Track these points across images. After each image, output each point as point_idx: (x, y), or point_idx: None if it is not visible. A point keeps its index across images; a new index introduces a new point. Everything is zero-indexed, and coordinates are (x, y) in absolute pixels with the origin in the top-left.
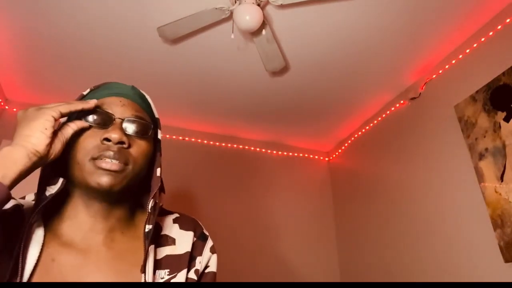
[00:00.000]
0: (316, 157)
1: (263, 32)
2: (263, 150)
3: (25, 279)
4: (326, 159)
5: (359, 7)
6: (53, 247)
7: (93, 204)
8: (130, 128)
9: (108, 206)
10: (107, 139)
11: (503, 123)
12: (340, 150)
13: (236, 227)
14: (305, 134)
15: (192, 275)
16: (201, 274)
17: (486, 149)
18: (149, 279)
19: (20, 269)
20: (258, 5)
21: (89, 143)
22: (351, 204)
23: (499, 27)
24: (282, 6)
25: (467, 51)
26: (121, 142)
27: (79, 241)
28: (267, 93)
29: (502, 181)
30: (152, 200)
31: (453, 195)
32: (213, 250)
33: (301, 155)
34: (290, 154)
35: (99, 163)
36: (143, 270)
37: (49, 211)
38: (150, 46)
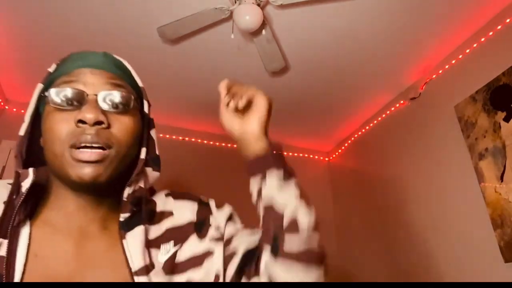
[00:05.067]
0: (316, 157)
1: (263, 32)
2: None
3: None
4: (326, 159)
5: (359, 7)
6: (38, 240)
7: (81, 196)
8: (107, 103)
9: (98, 197)
10: (82, 121)
11: (503, 123)
12: (340, 150)
13: None
14: (305, 134)
15: (213, 233)
16: (230, 238)
17: (486, 149)
18: (139, 263)
19: (4, 276)
20: (258, 5)
21: (63, 129)
22: (351, 204)
23: (499, 27)
24: (282, 6)
25: (467, 51)
26: (99, 122)
27: (71, 231)
28: (267, 93)
29: (502, 181)
30: (128, 188)
31: (453, 195)
32: (220, 205)
33: (301, 155)
34: (290, 154)
35: (76, 154)
36: (128, 266)
37: (32, 199)
38: (150, 46)
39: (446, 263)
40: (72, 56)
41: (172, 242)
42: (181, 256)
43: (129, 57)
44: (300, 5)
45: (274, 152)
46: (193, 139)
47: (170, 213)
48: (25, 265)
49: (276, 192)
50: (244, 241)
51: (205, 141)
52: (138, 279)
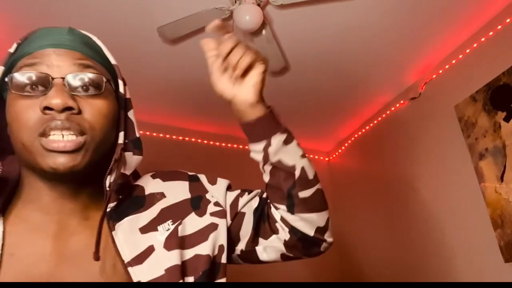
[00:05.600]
0: (316, 157)
1: (263, 32)
2: None
3: None
4: (326, 159)
5: (359, 8)
6: (13, 238)
7: (57, 186)
8: (76, 86)
9: (74, 186)
10: (49, 108)
11: (503, 123)
12: (340, 150)
13: None
14: (305, 134)
15: (213, 208)
16: (234, 204)
17: (486, 149)
18: (132, 253)
19: None
20: (258, 5)
21: (30, 117)
22: (351, 204)
23: (499, 27)
24: (282, 6)
25: (467, 51)
26: (68, 108)
27: (48, 226)
28: (267, 93)
29: (502, 181)
30: (109, 176)
31: (453, 195)
32: (213, 181)
33: None
34: None
35: (47, 143)
36: (97, 257)
37: (3, 193)
38: (150, 46)
39: (446, 263)
40: (34, 34)
41: (170, 221)
42: (185, 231)
43: (129, 57)
44: (300, 5)
45: (271, 114)
46: (193, 139)
47: (162, 195)
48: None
49: (283, 156)
50: (247, 202)
51: (205, 141)
52: (132, 269)
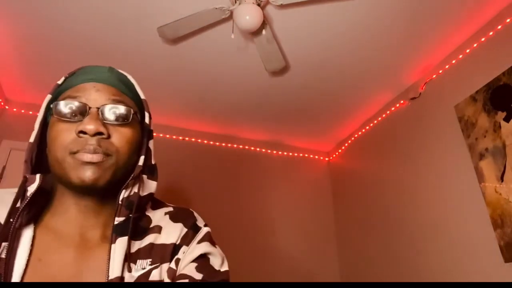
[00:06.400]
0: (316, 157)
1: (263, 32)
2: (263, 150)
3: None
4: (326, 159)
5: (359, 7)
6: (42, 245)
7: (82, 200)
8: (108, 116)
9: (98, 202)
10: (83, 132)
11: (503, 123)
12: (340, 150)
13: (236, 227)
14: (305, 134)
15: (173, 264)
16: (180, 276)
17: (486, 149)
18: (115, 273)
19: (3, 276)
20: (258, 5)
21: (66, 137)
22: (351, 204)
23: (499, 27)
24: (282, 6)
25: (467, 51)
26: (99, 133)
27: (72, 237)
28: (267, 93)
29: (502, 181)
30: (123, 191)
31: (453, 195)
32: (202, 240)
33: (301, 155)
34: (290, 154)
35: (79, 156)
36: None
37: (36, 204)
38: (150, 46)
39: (446, 263)
40: (79, 70)
41: (149, 261)
42: (155, 277)
43: (129, 57)
44: (300, 5)
45: None
46: (193, 139)
47: (159, 229)
48: (26, 267)
49: None
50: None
51: (205, 141)
52: None
